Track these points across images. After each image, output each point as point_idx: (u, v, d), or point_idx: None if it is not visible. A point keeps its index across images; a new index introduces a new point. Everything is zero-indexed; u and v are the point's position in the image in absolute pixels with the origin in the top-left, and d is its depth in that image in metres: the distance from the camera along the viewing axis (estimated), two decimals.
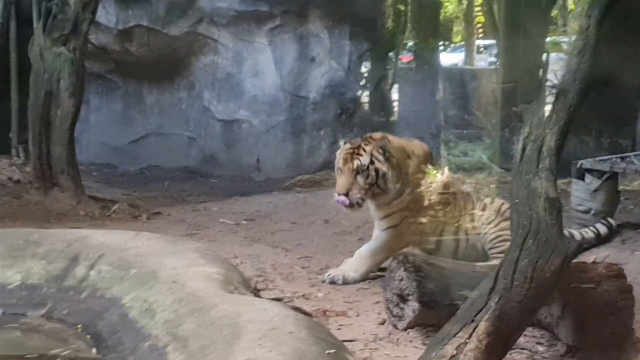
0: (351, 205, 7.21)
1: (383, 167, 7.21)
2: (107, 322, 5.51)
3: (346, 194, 7.13)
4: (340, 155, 7.36)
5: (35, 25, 11.65)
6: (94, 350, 5.27)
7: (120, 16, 14.78)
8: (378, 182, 7.21)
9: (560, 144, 5.32)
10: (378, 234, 7.60)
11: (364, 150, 7.21)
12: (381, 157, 7.21)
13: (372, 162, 7.17)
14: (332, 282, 7.24)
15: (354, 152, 7.22)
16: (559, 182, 5.41)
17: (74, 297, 5.99)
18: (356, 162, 7.16)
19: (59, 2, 10.95)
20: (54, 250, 6.41)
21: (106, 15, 14.46)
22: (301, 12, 14.84)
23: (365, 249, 7.53)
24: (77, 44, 10.96)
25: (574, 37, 5.86)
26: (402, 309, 5.85)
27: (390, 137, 7.63)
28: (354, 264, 7.43)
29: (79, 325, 5.65)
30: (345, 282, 7.23)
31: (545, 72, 13.46)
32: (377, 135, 7.52)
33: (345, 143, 7.50)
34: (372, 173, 7.18)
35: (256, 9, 14.63)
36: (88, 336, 5.48)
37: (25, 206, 10.42)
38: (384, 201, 7.40)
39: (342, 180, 7.19)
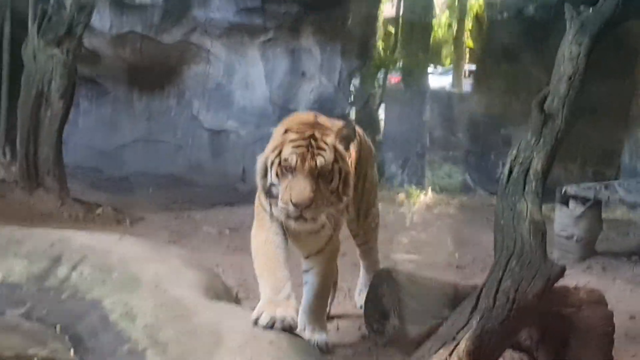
0: (311, 220, 4.97)
1: (347, 167, 5.07)
2: (86, 324, 5.48)
3: (309, 206, 4.81)
4: (285, 148, 4.93)
5: (30, 26, 11.66)
6: (72, 352, 5.23)
7: (114, 21, 14.80)
8: (339, 188, 5.03)
9: (547, 168, 5.36)
10: (316, 263, 5.69)
11: (325, 143, 4.97)
12: (344, 152, 5.07)
13: (336, 160, 4.96)
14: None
15: (312, 146, 4.92)
16: (543, 207, 5.42)
17: (54, 297, 5.96)
18: (319, 161, 4.87)
19: (55, 4, 10.98)
20: (36, 250, 6.39)
21: (100, 20, 14.46)
22: (294, 27, 14.88)
23: (314, 298, 5.74)
24: (71, 46, 10.99)
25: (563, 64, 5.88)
26: (382, 324, 5.84)
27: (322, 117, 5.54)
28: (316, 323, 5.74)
29: (58, 326, 5.62)
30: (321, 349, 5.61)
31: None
32: (324, 119, 5.39)
33: (286, 131, 5.07)
34: (336, 175, 4.99)
35: (250, 22, 14.67)
36: (67, 337, 5.45)
37: (9, 205, 10.42)
38: (334, 212, 5.18)
39: (301, 186, 4.79)
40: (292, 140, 4.92)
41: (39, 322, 5.73)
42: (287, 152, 4.87)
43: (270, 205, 5.12)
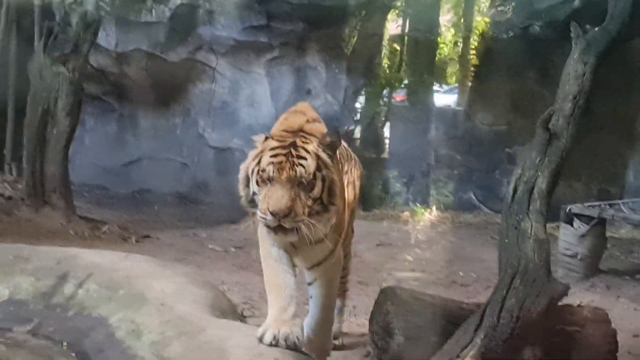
0: (291, 230, 4.67)
1: (331, 175, 4.78)
2: (93, 341, 5.50)
3: (288, 215, 4.58)
4: (264, 157, 4.73)
5: (35, 43, 11.72)
6: None
7: (120, 39, 14.84)
8: (323, 197, 4.76)
9: (552, 187, 5.39)
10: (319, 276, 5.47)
11: (306, 151, 4.73)
12: (328, 160, 4.79)
13: (318, 169, 4.70)
14: None
15: (291, 155, 4.69)
16: (547, 225, 5.44)
17: (61, 314, 5.98)
18: (299, 170, 4.63)
19: (61, 22, 11.04)
20: (43, 267, 6.40)
21: (106, 37, 14.51)
22: (300, 45, 14.90)
23: (318, 311, 5.51)
24: (77, 64, 11.05)
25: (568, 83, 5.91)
26: (387, 342, 5.85)
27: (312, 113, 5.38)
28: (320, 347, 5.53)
29: (65, 343, 5.63)
30: None
31: None
32: (306, 124, 5.13)
33: (266, 139, 4.88)
34: (319, 184, 4.72)
35: (255, 40, 14.69)
36: (73, 354, 5.46)
37: (16, 223, 10.45)
38: (323, 223, 4.87)
39: (279, 194, 4.58)
40: (272, 149, 4.73)
41: (46, 339, 5.74)
42: (266, 161, 4.67)
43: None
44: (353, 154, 6.39)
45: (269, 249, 5.16)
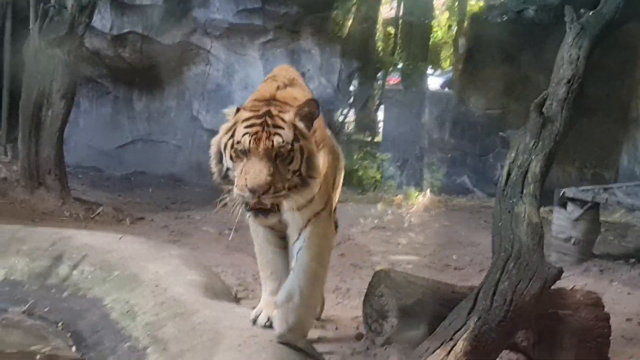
0: (271, 211, 4.37)
1: (310, 146, 4.45)
2: (87, 321, 5.54)
3: (267, 191, 4.23)
4: (238, 129, 4.37)
5: (31, 26, 11.71)
6: (73, 349, 5.29)
7: (115, 22, 14.82)
8: (301, 170, 4.42)
9: (546, 170, 5.41)
10: (305, 239, 4.83)
11: (283, 120, 4.40)
12: (306, 130, 4.45)
13: (296, 139, 4.36)
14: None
15: (267, 124, 4.35)
16: (541, 209, 5.46)
17: (55, 295, 6.03)
18: (276, 140, 4.30)
19: (56, 4, 11.03)
20: (38, 248, 6.46)
21: (101, 20, 14.50)
22: (294, 29, 14.90)
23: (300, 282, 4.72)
24: (72, 47, 11.05)
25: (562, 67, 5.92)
26: (380, 324, 5.87)
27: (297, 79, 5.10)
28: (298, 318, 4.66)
29: (60, 323, 5.68)
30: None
31: None
32: (281, 89, 4.79)
33: (238, 110, 4.49)
34: (298, 155, 4.38)
35: (250, 23, 14.69)
36: (68, 334, 5.51)
37: (11, 204, 10.48)
38: (304, 197, 4.59)
39: (257, 169, 4.22)
40: (245, 120, 4.36)
41: (41, 320, 5.80)
42: (240, 132, 4.31)
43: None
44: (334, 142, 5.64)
45: (255, 229, 5.05)
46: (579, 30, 6.04)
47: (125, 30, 14.89)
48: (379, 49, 17.31)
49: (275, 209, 4.34)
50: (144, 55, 15.04)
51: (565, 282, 6.56)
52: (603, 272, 8.85)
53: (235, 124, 4.39)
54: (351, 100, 16.40)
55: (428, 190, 14.37)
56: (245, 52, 15.06)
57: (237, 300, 6.51)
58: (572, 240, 9.16)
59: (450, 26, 19.40)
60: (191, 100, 15.35)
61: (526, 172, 5.40)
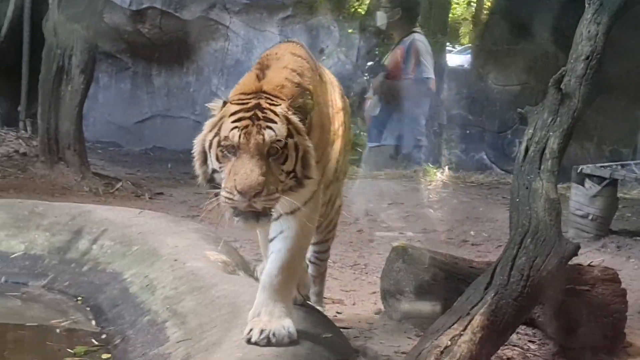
0: (262, 214, 3.78)
1: (305, 142, 3.91)
2: (107, 295, 5.58)
3: (260, 193, 3.66)
4: (224, 124, 3.83)
5: (50, 1, 11.73)
6: (93, 323, 5.33)
7: None
8: (296, 169, 3.88)
9: (563, 147, 5.40)
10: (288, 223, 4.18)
11: (274, 114, 3.84)
12: (300, 125, 3.90)
13: (290, 135, 3.83)
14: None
15: (257, 117, 3.80)
16: (559, 186, 5.45)
17: (75, 269, 6.07)
18: (268, 134, 3.75)
19: None
20: (58, 223, 6.50)
21: None
22: (313, 4, 14.89)
23: (278, 270, 4.14)
24: (91, 22, 11.08)
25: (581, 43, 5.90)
26: (398, 299, 5.90)
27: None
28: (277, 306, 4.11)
29: (80, 298, 5.72)
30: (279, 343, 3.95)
31: None
32: (277, 75, 4.15)
33: (224, 104, 3.95)
34: (292, 153, 3.85)
35: None
36: (88, 308, 5.55)
37: (31, 179, 10.55)
38: (300, 200, 4.07)
39: (248, 168, 3.68)
40: (233, 114, 3.83)
41: (61, 294, 5.84)
42: (228, 127, 3.77)
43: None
44: (335, 80, 5.16)
45: None
46: (598, 6, 6.01)
47: (145, 6, 14.92)
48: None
49: (268, 211, 3.78)
50: (163, 30, 15.08)
51: (582, 258, 6.58)
52: (620, 249, 8.85)
53: (221, 119, 3.87)
54: (370, 76, 16.38)
55: (446, 167, 14.35)
56: (264, 28, 15.07)
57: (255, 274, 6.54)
58: (590, 217, 9.15)
59: (469, 2, 19.33)
60: (210, 76, 15.38)
61: (544, 148, 5.39)
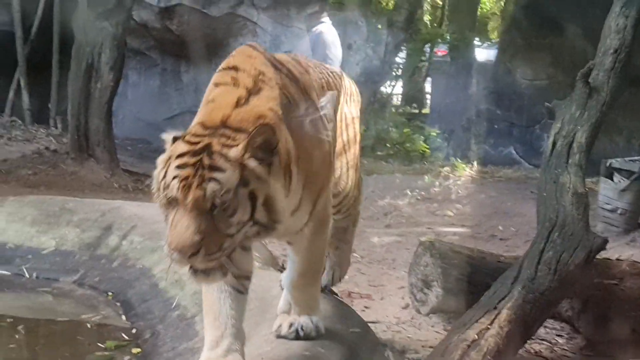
0: (215, 269, 3.15)
1: (266, 188, 3.18)
2: (137, 291, 5.61)
3: (196, 253, 3.02)
4: (170, 169, 3.13)
5: None
6: (123, 318, 5.36)
7: None
8: (256, 218, 3.16)
9: (591, 141, 5.39)
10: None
11: (225, 159, 3.11)
12: (260, 170, 3.15)
13: (243, 183, 3.11)
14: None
15: (202, 166, 3.10)
16: (587, 180, 5.44)
17: (105, 265, 6.10)
18: (210, 188, 3.05)
19: None
20: (88, 219, 6.54)
21: None
22: (340, 0, 14.91)
23: (298, 276, 3.99)
24: (120, 19, 11.13)
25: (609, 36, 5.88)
26: (425, 294, 5.91)
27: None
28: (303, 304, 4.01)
29: (110, 293, 5.75)
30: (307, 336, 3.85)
31: None
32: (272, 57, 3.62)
33: (176, 140, 3.22)
34: (245, 203, 3.13)
35: None
36: (118, 304, 5.58)
37: (61, 175, 10.61)
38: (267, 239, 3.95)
39: (183, 225, 3.03)
40: (179, 156, 3.16)
41: (91, 289, 5.87)
42: (170, 175, 3.12)
43: None
44: (354, 87, 4.69)
45: None
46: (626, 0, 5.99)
47: (173, 3, 14.99)
48: (426, 20, 17.29)
49: (213, 274, 3.19)
50: (192, 27, 15.13)
51: (611, 253, 6.56)
52: None
53: (169, 159, 3.19)
54: (398, 72, 16.40)
55: (475, 162, 14.35)
56: (292, 24, 15.09)
57: (283, 270, 6.56)
58: (619, 211, 9.12)
59: None
60: None
61: (572, 142, 5.38)
